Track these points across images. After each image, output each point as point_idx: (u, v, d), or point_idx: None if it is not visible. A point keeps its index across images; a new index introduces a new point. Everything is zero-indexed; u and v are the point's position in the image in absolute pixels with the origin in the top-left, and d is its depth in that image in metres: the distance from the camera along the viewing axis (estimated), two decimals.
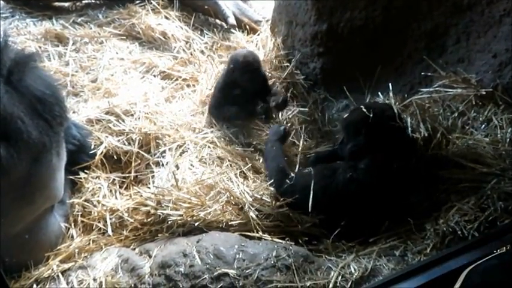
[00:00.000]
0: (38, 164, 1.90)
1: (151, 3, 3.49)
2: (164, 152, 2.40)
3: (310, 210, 2.15)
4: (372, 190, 2.12)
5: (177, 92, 2.95)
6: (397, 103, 2.47)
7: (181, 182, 2.24)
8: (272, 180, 2.31)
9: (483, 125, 2.34)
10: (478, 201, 2.04)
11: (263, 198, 2.26)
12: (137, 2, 3.53)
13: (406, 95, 2.59)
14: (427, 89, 2.51)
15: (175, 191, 2.18)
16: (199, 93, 2.91)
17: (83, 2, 3.76)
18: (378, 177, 2.12)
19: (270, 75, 2.97)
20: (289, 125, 2.69)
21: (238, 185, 2.30)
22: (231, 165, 2.42)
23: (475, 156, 2.20)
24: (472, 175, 2.15)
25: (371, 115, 2.17)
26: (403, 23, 2.65)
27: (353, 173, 2.15)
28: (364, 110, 2.21)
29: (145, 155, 2.43)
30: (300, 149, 2.62)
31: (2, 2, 3.66)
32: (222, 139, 2.58)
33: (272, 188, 2.29)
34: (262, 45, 3.29)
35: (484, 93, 2.37)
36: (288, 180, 2.26)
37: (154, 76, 3.05)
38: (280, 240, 2.03)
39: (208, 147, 2.49)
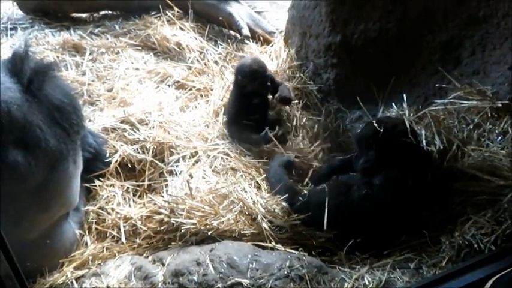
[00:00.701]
0: (54, 171, 1.93)
1: (166, 14, 3.55)
2: (178, 161, 2.42)
3: (325, 228, 2.13)
4: (387, 207, 2.10)
5: (191, 102, 2.97)
6: (411, 114, 2.46)
7: (195, 191, 2.25)
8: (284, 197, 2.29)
9: (499, 138, 2.31)
10: (494, 214, 2.01)
11: (275, 211, 2.25)
12: (153, 13, 3.59)
13: (420, 107, 2.58)
14: (442, 101, 2.49)
15: (189, 200, 2.19)
16: (212, 103, 2.94)
17: (100, 13, 3.84)
18: (393, 194, 2.10)
19: None
20: (294, 156, 2.54)
21: (251, 196, 2.30)
22: (244, 175, 2.42)
23: (491, 169, 2.17)
24: (488, 188, 2.12)
25: (381, 130, 2.13)
26: (417, 34, 2.65)
27: (368, 189, 2.13)
28: (375, 124, 2.17)
29: (159, 163, 2.44)
30: (316, 163, 2.59)
31: (22, 13, 3.76)
32: (235, 149, 2.58)
33: (284, 204, 2.27)
34: (276, 56, 3.32)
35: (500, 105, 2.34)
36: (300, 198, 2.25)
37: (169, 86, 3.09)
38: (293, 251, 2.02)
39: (222, 157, 2.51)
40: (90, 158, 2.32)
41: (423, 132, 2.27)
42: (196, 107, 2.94)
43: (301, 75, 3.07)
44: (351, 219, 2.13)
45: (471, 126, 2.36)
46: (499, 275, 1.40)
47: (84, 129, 2.20)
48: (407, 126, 2.16)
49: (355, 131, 2.39)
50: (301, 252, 2.00)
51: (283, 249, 2.04)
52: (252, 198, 2.29)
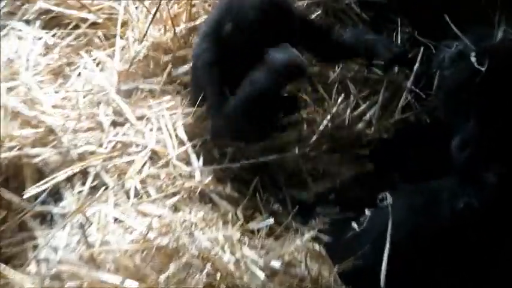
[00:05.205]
0: None
1: None
2: (57, 191, 1.18)
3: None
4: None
5: None
6: None
7: (100, 249, 1.03)
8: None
9: None
10: None
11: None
12: None
13: None
14: None
15: (86, 270, 1.00)
16: None
17: None
18: None
19: None
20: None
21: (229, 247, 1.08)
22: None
23: None
24: None
25: (484, 68, 1.22)
26: None
27: (470, 198, 1.23)
28: (473, 59, 1.25)
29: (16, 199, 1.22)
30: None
31: None
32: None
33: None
34: None
35: None
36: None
37: None
38: None
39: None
40: None
41: None
42: None
43: None
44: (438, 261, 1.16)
45: None
46: None
47: None
48: None
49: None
50: None
51: None
52: (232, 254, 1.06)
